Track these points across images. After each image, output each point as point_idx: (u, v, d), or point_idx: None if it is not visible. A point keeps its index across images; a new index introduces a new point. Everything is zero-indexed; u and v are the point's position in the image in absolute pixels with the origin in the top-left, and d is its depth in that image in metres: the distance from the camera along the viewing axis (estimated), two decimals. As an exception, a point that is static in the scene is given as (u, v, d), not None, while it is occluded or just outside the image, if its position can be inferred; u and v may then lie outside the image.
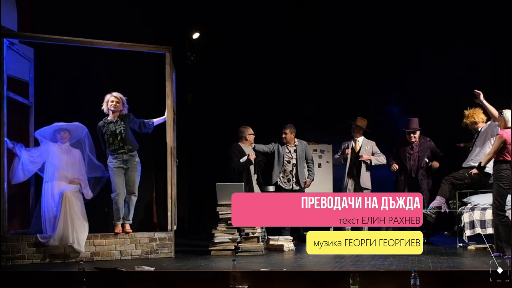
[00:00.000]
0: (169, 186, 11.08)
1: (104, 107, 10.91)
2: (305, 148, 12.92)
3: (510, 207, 10.27)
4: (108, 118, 10.92)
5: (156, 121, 11.23)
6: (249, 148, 12.33)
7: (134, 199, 11.03)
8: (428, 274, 7.81)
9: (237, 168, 12.04)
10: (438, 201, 11.20)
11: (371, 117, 13.26)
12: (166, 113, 11.16)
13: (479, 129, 11.50)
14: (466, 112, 11.56)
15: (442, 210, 11.23)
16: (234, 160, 12.07)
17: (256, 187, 12.25)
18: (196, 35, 14.72)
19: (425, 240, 12.04)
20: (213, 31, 14.92)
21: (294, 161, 12.76)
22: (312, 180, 12.98)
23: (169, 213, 11.01)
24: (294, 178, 12.75)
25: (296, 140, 12.83)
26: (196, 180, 14.95)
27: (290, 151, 12.80)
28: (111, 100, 10.86)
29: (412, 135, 12.45)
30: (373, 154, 12.90)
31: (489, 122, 11.33)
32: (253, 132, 12.43)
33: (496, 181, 9.87)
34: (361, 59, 14.99)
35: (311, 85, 15.30)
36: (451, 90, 14.39)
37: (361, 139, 13.01)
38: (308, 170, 13.00)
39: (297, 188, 12.73)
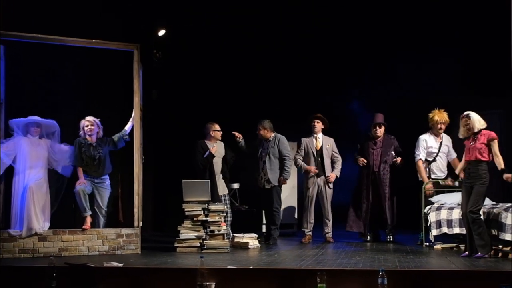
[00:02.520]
0: (136, 182, 11.18)
1: (81, 132, 11.27)
2: (277, 143, 12.36)
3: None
4: (88, 140, 11.27)
5: (128, 127, 11.47)
6: (215, 144, 12.24)
7: (102, 220, 11.30)
8: (396, 274, 7.81)
9: (200, 163, 12.02)
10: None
11: (335, 115, 13.24)
12: (133, 111, 11.27)
13: (442, 136, 11.91)
14: (441, 114, 11.83)
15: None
16: (197, 157, 12.07)
17: (221, 184, 12.22)
18: (161, 32, 14.74)
19: (391, 239, 12.31)
20: (178, 28, 14.93)
21: (264, 158, 12.41)
22: (287, 178, 12.46)
23: (135, 210, 11.11)
24: (265, 176, 12.29)
25: (273, 135, 12.47)
26: (162, 177, 14.99)
27: (264, 147, 12.44)
28: (85, 125, 11.25)
29: (378, 128, 12.47)
30: (332, 154, 12.73)
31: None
32: (219, 129, 12.29)
33: (479, 181, 9.84)
34: (326, 57, 15.22)
35: (277, 82, 15.44)
36: (417, 89, 14.62)
37: (320, 136, 12.75)
38: (282, 167, 12.38)
39: (268, 186, 12.31)
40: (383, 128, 12.53)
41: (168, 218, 14.37)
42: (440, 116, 11.79)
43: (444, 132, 11.98)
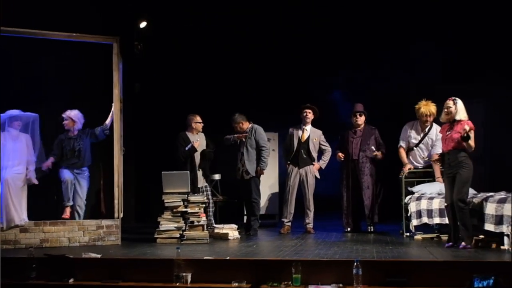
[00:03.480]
0: (116, 174, 11.28)
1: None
2: (254, 133, 12.36)
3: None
4: (69, 134, 11.67)
5: (108, 121, 11.67)
6: (195, 136, 12.27)
7: (81, 212, 11.59)
8: (371, 264, 7.83)
9: (182, 156, 12.08)
10: None
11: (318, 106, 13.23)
12: (113, 103, 11.37)
13: (428, 126, 11.71)
14: (428, 106, 11.55)
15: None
16: (179, 149, 12.12)
17: (200, 176, 12.28)
18: (143, 24, 14.76)
19: (371, 229, 12.33)
20: (160, 20, 14.98)
21: (242, 149, 12.38)
22: (264, 169, 12.41)
23: (116, 201, 11.21)
24: (243, 167, 12.28)
25: (249, 125, 12.47)
26: (143, 169, 15.09)
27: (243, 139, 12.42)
28: (63, 122, 11.63)
29: (358, 117, 12.43)
30: (320, 146, 12.69)
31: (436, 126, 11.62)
32: (200, 121, 12.33)
33: (460, 168, 9.62)
34: (309, 49, 15.30)
35: (259, 74, 15.48)
36: (401, 79, 14.67)
37: (309, 128, 12.69)
38: (259, 158, 12.35)
39: (247, 177, 12.31)
40: (363, 117, 12.49)
41: (150, 209, 14.46)
42: (426, 109, 11.52)
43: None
